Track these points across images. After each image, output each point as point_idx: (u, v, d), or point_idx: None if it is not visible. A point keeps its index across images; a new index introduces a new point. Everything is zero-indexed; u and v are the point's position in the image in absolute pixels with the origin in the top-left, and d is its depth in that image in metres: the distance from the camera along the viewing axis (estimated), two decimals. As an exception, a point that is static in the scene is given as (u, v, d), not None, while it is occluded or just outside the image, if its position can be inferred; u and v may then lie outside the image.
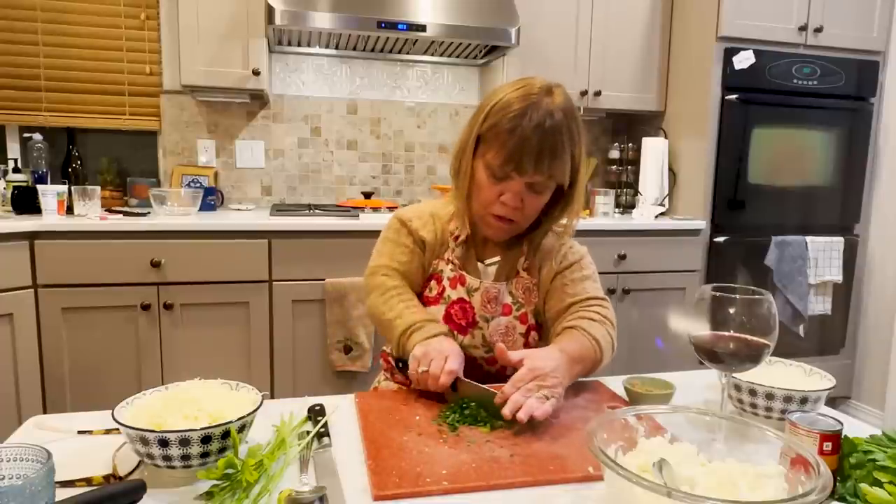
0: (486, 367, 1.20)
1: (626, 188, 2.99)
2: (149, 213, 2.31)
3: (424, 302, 1.20)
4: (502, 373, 1.19)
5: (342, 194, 2.92)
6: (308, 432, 0.85)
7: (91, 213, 2.18)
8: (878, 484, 0.68)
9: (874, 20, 2.73)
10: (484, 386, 0.97)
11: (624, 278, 2.58)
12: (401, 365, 1.10)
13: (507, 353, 0.97)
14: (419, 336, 1.09)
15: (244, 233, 2.15)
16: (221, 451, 0.73)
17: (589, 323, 1.10)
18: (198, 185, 2.63)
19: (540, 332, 1.23)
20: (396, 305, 1.15)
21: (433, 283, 1.20)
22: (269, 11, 2.22)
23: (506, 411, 0.88)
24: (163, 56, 2.63)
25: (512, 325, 1.18)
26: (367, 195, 2.79)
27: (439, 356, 1.00)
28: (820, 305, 2.78)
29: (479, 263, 1.20)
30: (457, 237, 1.19)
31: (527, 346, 1.19)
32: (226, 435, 0.73)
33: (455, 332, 1.16)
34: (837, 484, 0.73)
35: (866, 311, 2.92)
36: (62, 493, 0.64)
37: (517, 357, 0.96)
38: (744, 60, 2.58)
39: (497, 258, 1.20)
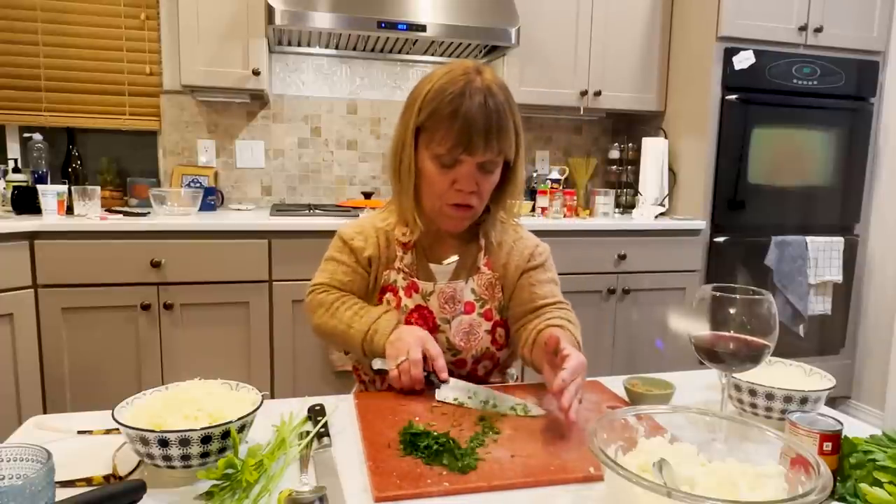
0: (457, 372, 1.17)
1: (626, 188, 2.99)
2: (149, 213, 2.31)
3: None
4: (473, 374, 1.19)
5: (342, 194, 2.92)
6: (308, 432, 0.85)
7: (91, 213, 2.18)
8: (878, 484, 0.68)
9: (874, 20, 2.73)
10: (463, 383, 1.01)
11: (624, 278, 2.58)
12: (379, 364, 1.07)
13: (560, 344, 0.92)
14: (380, 337, 1.08)
15: (244, 233, 2.15)
16: (221, 451, 0.73)
17: (574, 327, 1.12)
18: (198, 185, 2.63)
19: (507, 329, 1.20)
20: (344, 315, 1.13)
21: (389, 294, 1.16)
22: (269, 11, 2.22)
23: (565, 404, 0.85)
24: (163, 56, 2.63)
25: (476, 322, 1.15)
26: (367, 195, 2.79)
27: (412, 348, 1.02)
28: (820, 305, 2.78)
29: (431, 265, 1.17)
30: (404, 244, 1.16)
31: (494, 343, 1.17)
32: (226, 435, 0.73)
33: None
34: (837, 484, 0.73)
35: (866, 311, 2.92)
36: (62, 493, 0.64)
37: (565, 352, 0.92)
38: (744, 60, 2.58)
39: (455, 257, 1.18)
